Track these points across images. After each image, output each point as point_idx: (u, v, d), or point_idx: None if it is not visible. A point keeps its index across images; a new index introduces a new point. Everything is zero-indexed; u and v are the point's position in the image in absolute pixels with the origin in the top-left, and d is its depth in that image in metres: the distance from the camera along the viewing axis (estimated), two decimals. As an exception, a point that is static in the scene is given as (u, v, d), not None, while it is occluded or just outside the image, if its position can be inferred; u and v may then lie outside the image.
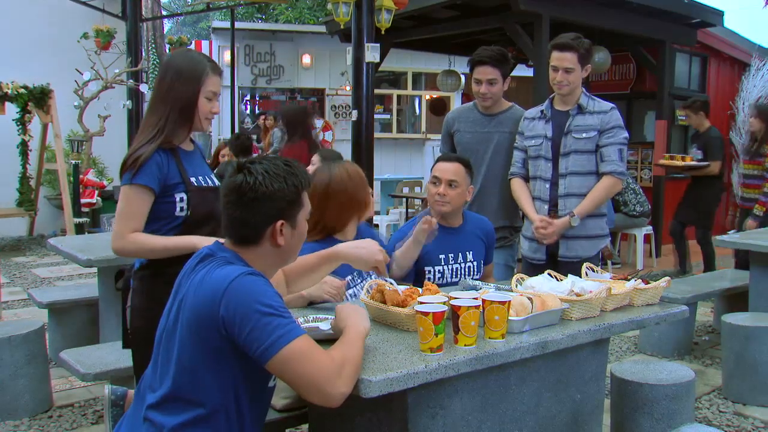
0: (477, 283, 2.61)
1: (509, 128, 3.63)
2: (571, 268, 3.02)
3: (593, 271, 2.65)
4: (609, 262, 7.06)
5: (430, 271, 2.97)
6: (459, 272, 3.04)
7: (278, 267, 1.88)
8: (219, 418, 1.67)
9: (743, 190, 6.28)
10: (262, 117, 11.09)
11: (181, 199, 2.31)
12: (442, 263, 2.99)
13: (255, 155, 1.73)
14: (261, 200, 1.70)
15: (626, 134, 3.40)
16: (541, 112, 3.47)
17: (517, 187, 3.53)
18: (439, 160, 3.10)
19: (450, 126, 3.79)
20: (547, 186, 3.41)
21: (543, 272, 2.51)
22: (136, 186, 2.23)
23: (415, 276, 2.92)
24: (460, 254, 3.04)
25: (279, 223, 1.73)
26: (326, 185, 2.58)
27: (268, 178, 1.70)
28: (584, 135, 3.34)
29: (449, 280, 3.00)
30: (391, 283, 2.28)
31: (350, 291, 2.55)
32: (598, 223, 3.42)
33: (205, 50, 13.38)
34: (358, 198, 2.61)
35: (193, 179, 2.33)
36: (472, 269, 3.08)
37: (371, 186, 6.25)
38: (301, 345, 1.59)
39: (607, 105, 3.40)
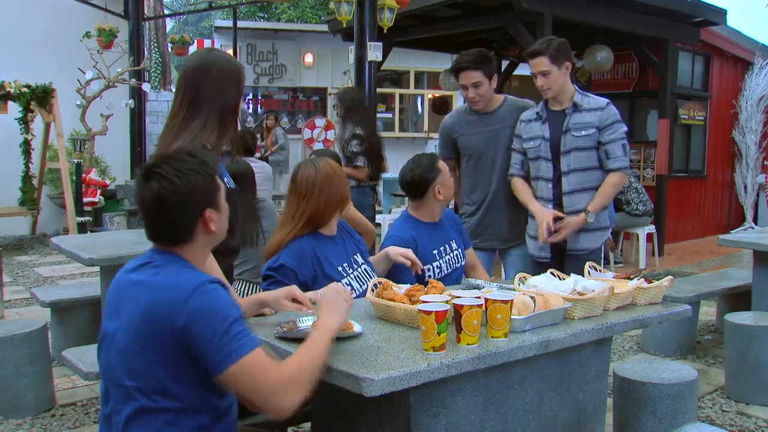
0: (480, 282, 2.62)
1: (510, 122, 3.64)
2: (579, 261, 3.13)
3: (596, 270, 2.65)
4: (612, 259, 7.05)
5: (429, 269, 3.00)
6: (451, 262, 3.11)
7: (210, 249, 1.88)
8: (193, 413, 1.67)
9: None
10: (266, 116, 11.10)
11: None
12: (437, 258, 3.06)
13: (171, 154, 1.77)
14: (185, 200, 1.70)
15: (626, 128, 3.46)
16: (537, 113, 3.51)
17: (519, 186, 3.56)
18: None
19: (451, 132, 3.77)
20: (550, 186, 3.47)
21: (548, 271, 2.51)
22: None
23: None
24: (446, 245, 3.13)
25: (207, 212, 1.74)
26: (313, 179, 2.62)
27: (184, 177, 1.69)
28: (583, 132, 3.39)
29: (446, 272, 3.07)
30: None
31: (344, 280, 2.58)
32: (602, 215, 3.48)
33: (207, 49, 13.40)
34: (342, 192, 2.68)
35: (225, 178, 2.34)
36: (458, 257, 3.17)
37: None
38: (249, 360, 1.59)
39: (603, 101, 3.44)
